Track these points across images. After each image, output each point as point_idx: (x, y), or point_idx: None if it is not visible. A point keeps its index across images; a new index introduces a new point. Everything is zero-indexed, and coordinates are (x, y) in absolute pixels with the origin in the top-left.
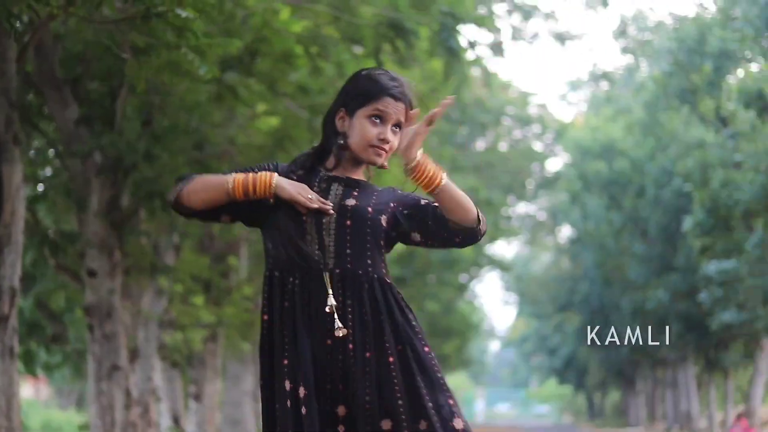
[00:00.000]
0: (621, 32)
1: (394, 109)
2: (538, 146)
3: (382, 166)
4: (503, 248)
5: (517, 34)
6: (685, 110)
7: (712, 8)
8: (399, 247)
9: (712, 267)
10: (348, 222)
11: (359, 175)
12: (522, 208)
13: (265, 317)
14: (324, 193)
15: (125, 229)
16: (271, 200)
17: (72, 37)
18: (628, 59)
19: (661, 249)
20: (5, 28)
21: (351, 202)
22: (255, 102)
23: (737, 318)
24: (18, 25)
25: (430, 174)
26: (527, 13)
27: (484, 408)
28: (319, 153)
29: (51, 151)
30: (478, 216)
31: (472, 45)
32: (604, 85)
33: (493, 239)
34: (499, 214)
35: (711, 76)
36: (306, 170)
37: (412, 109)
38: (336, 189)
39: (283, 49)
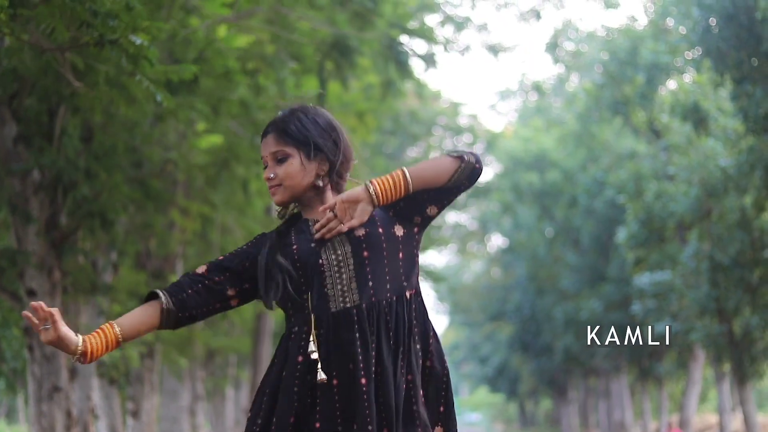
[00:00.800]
0: (553, 45)
1: (265, 149)
2: None
3: (282, 203)
4: (434, 258)
5: (449, 46)
6: (618, 121)
7: (644, 20)
8: None
9: (645, 279)
10: (365, 253)
11: (328, 199)
12: (452, 217)
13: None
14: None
15: (64, 247)
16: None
17: (9, 54)
18: (559, 69)
19: (594, 259)
20: None
21: (361, 231)
22: (198, 121)
23: (672, 329)
24: None
25: (392, 191)
26: (460, 24)
27: None
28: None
29: None
30: (458, 158)
31: (422, 57)
32: (534, 95)
33: (423, 249)
34: (430, 224)
35: (643, 87)
36: (288, 224)
37: (283, 131)
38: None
39: (224, 66)
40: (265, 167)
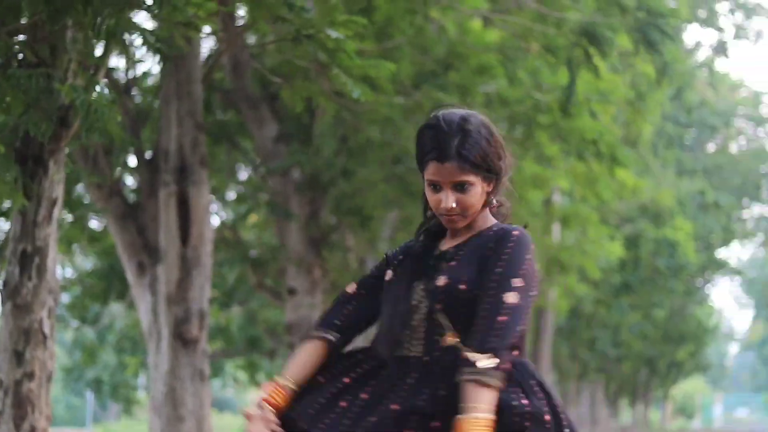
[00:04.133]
0: None
1: (441, 174)
2: None
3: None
4: (737, 251)
5: (740, 33)
6: None
7: None
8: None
9: None
10: (438, 306)
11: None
12: (757, 209)
13: None
14: (430, 275)
15: (324, 245)
16: None
17: (269, 55)
18: None
19: None
20: (152, 52)
21: (442, 281)
22: None
23: None
24: (163, 47)
25: None
26: (750, 11)
27: (722, 413)
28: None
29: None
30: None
31: (697, 45)
32: None
33: (725, 242)
34: (731, 216)
35: None
36: (405, 254)
37: (465, 159)
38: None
39: (478, 62)
40: (437, 189)
